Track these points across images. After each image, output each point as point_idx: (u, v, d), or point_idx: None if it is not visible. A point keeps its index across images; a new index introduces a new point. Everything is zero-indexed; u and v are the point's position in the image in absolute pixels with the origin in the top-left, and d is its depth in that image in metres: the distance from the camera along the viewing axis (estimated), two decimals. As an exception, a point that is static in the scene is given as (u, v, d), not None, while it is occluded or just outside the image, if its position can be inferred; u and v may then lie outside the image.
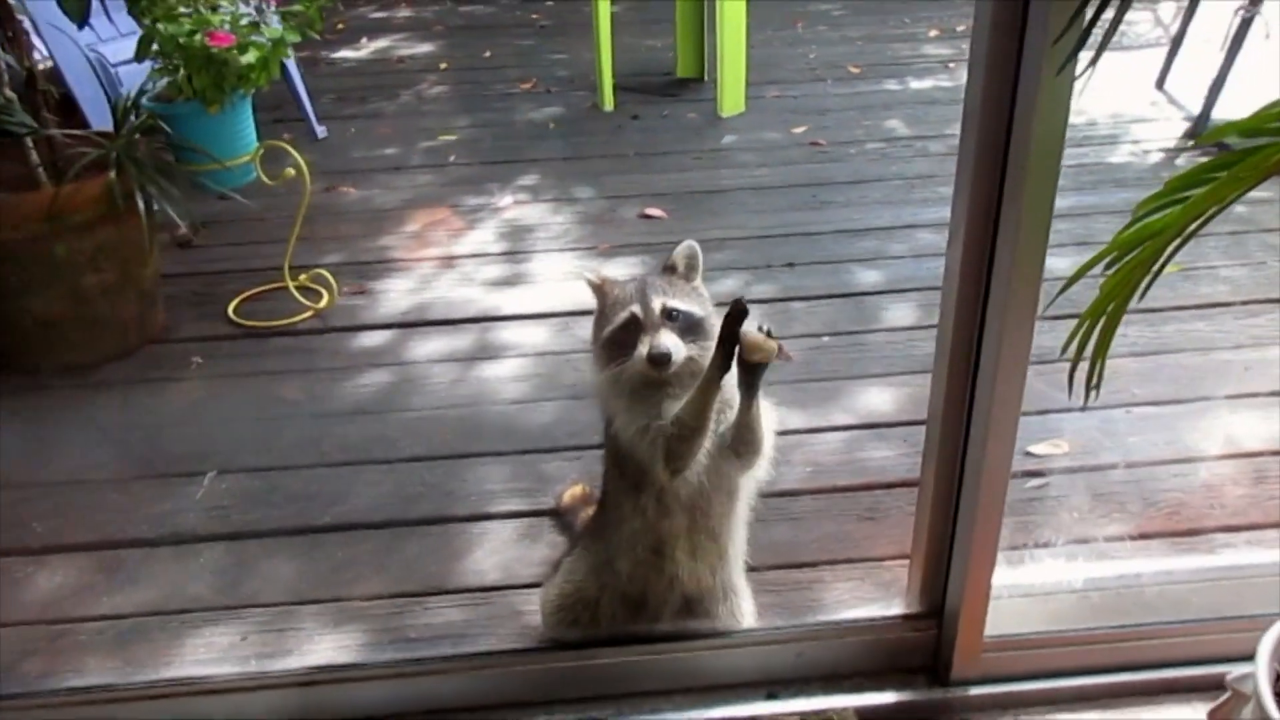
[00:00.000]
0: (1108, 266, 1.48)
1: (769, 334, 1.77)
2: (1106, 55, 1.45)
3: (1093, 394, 1.53)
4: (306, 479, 2.85)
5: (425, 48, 6.91)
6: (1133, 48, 6.22)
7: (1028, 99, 1.57)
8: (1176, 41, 5.36)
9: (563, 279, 3.89)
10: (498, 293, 3.83)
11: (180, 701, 2.00)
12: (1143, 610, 2.08)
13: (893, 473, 2.80)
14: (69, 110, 4.13)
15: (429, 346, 3.50)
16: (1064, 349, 1.53)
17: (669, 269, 1.97)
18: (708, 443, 1.85)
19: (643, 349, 1.81)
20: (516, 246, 4.19)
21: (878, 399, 3.13)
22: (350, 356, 3.46)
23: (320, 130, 5.32)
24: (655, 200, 4.48)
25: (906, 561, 2.47)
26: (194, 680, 2.03)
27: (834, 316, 3.58)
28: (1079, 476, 2.73)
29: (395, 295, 3.83)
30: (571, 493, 2.65)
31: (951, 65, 6.15)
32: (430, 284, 3.91)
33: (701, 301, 1.93)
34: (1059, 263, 3.05)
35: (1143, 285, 1.48)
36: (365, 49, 6.94)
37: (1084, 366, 1.51)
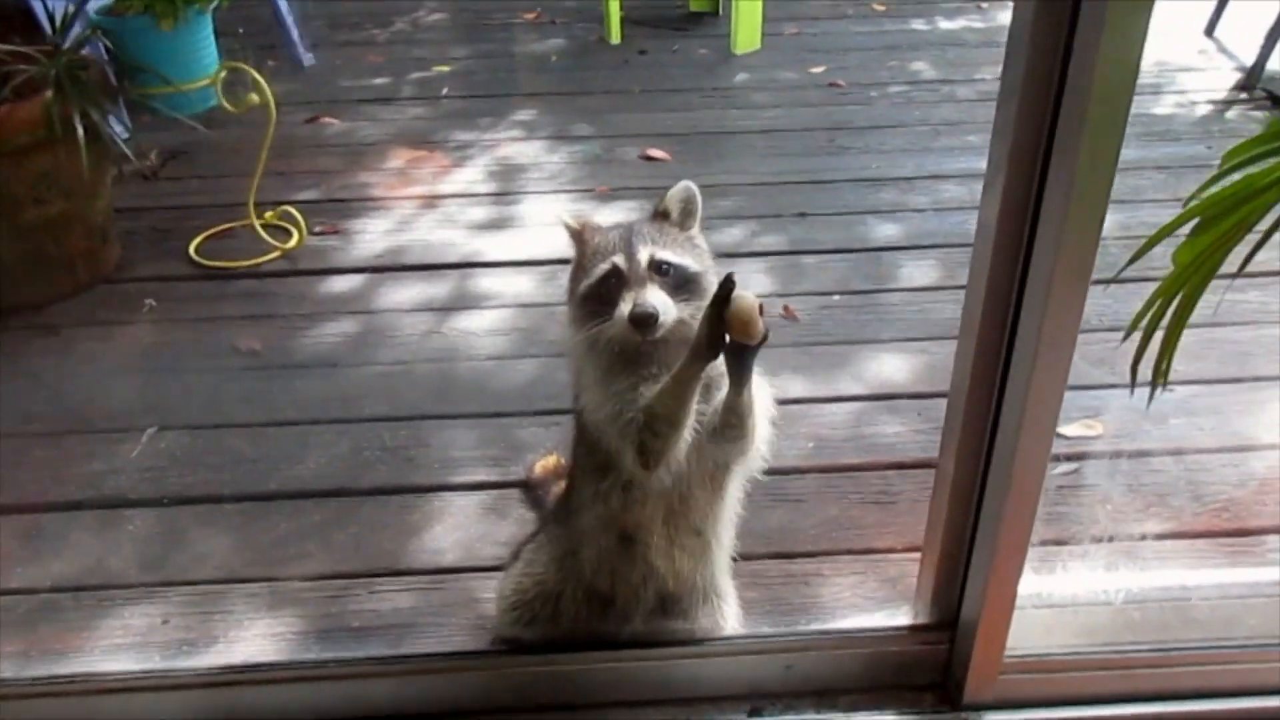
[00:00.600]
0: (1193, 231, 1.16)
1: (761, 308, 1.47)
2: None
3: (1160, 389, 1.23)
4: (254, 439, 2.57)
5: (425, -27, 6.51)
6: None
7: (1093, 23, 1.24)
8: (1229, -14, 4.96)
9: (553, 224, 3.55)
10: (482, 237, 3.52)
11: (78, 700, 1.75)
12: (1189, 628, 1.80)
13: (905, 452, 2.51)
14: (30, 27, 3.80)
15: (402, 294, 3.20)
16: (1128, 332, 1.23)
17: (660, 214, 1.67)
18: (689, 428, 1.56)
19: (624, 307, 1.52)
20: (506, 187, 3.87)
21: (891, 367, 2.83)
22: (316, 302, 3.17)
23: (307, 58, 4.97)
24: (659, 141, 4.15)
25: (917, 556, 2.21)
26: (92, 677, 1.78)
27: (847, 273, 3.27)
28: (1114, 464, 2.43)
29: (371, 237, 3.52)
30: (544, 464, 2.38)
31: (984, 5, 5.73)
32: (409, 225, 3.60)
33: (698, 254, 1.64)
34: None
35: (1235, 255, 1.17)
36: (362, -27, 6.54)
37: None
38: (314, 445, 2.56)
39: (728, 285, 1.45)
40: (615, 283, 1.57)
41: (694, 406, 1.55)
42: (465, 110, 4.53)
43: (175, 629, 2.06)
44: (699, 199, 1.67)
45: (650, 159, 4.04)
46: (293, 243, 3.41)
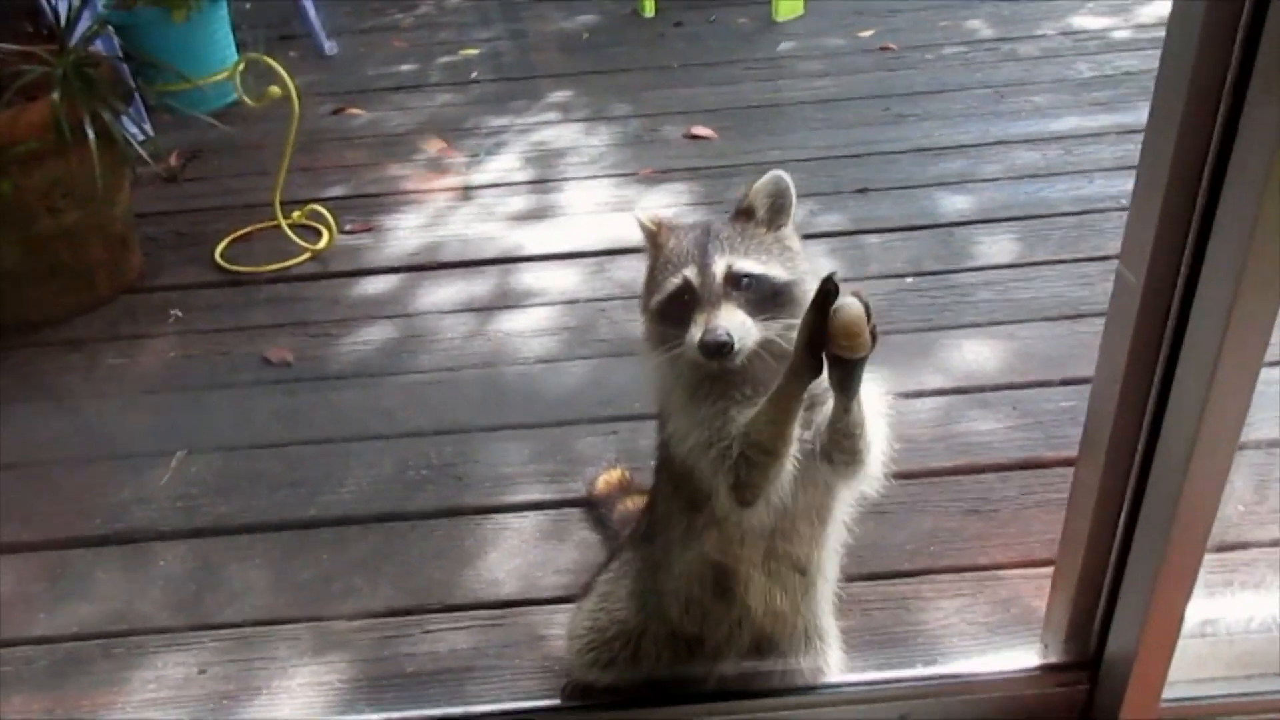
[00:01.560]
0: None
1: (867, 311, 1.24)
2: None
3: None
4: (291, 460, 2.38)
5: (447, -47, 6.28)
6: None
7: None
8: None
9: (597, 211, 3.35)
10: (522, 229, 3.30)
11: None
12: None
13: (1002, 452, 2.27)
14: (36, 25, 3.62)
15: (440, 294, 2.99)
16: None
17: (744, 213, 1.45)
18: (792, 454, 1.34)
19: (695, 331, 1.31)
20: (544, 174, 3.64)
21: (976, 355, 2.58)
22: (350, 307, 2.97)
23: (329, 45, 4.76)
24: (703, 118, 3.90)
25: (1028, 573, 1.98)
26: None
27: (916, 252, 3.01)
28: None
29: (404, 233, 3.31)
30: (607, 478, 2.18)
31: (1038, -42, 5.40)
32: (444, 219, 3.39)
33: (788, 259, 1.41)
34: None
35: None
36: (382, -44, 6.32)
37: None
38: (355, 465, 2.36)
39: (828, 290, 1.22)
40: (687, 299, 1.36)
41: (795, 431, 1.33)
42: (497, 94, 4.30)
43: (214, 679, 1.87)
44: (793, 192, 1.44)
45: (695, 137, 3.79)
46: (323, 243, 3.21)
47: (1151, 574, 1.38)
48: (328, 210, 3.21)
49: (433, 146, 3.86)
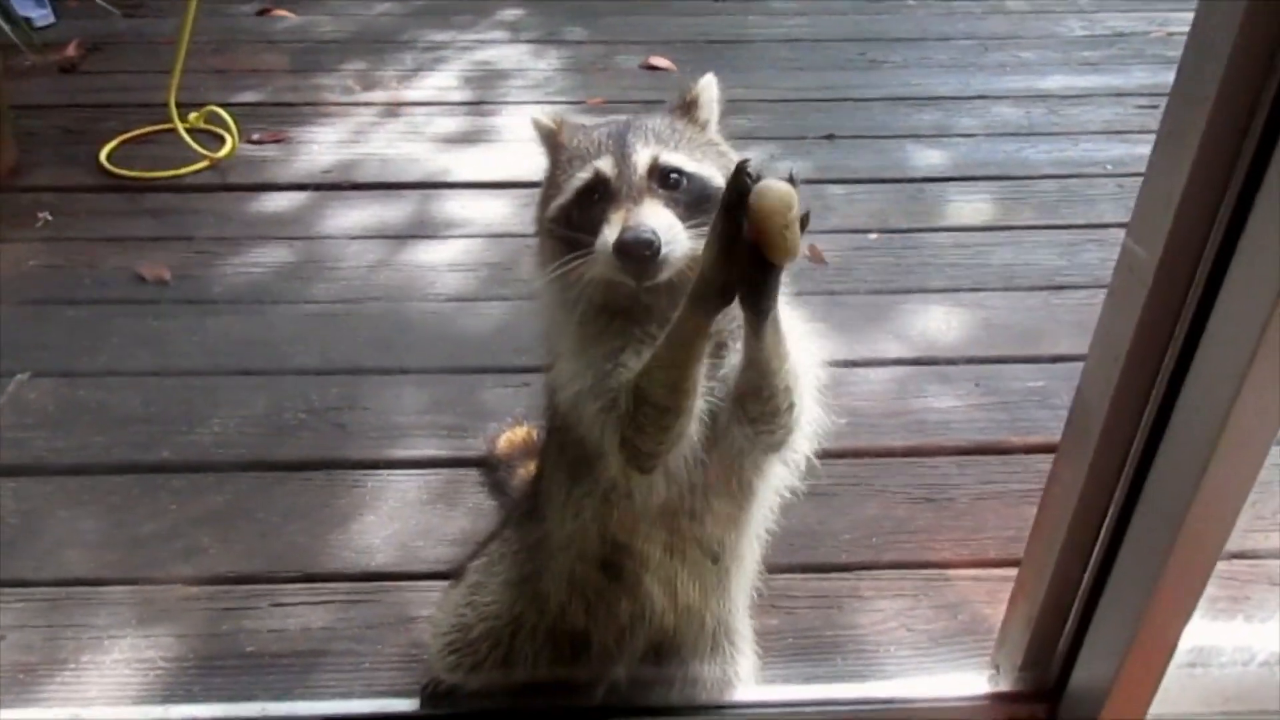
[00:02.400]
0: None
1: (792, 180, 0.95)
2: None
3: None
4: (148, 392, 2.06)
5: None
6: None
7: None
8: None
9: (537, 139, 3.02)
10: (450, 152, 2.97)
11: None
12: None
13: (961, 433, 2.02)
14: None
15: (349, 217, 2.66)
16: None
17: (683, 109, 1.18)
18: (697, 411, 1.06)
19: (609, 232, 1.03)
20: (483, 95, 3.30)
21: (940, 323, 2.32)
22: (245, 224, 2.63)
23: (263, -58, 4.34)
24: (663, 48, 3.57)
25: (979, 573, 1.73)
26: None
27: (883, 206, 2.73)
28: None
29: (319, 148, 2.97)
30: (510, 436, 1.89)
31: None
32: (366, 136, 3.05)
33: (724, 162, 1.14)
34: None
35: None
36: None
37: None
38: (223, 403, 2.05)
39: (744, 177, 0.93)
40: (599, 198, 1.07)
41: (701, 376, 1.04)
42: (440, 8, 3.93)
43: (12, 647, 1.56)
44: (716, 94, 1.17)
45: (653, 68, 3.47)
46: (224, 151, 2.85)
47: (1142, 592, 1.12)
48: (231, 116, 2.85)
49: (371, 58, 3.50)
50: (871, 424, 2.02)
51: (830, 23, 3.86)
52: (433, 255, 2.51)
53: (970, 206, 2.74)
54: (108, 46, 3.48)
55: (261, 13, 3.81)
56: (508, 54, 3.58)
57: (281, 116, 3.11)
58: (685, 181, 1.08)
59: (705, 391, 1.09)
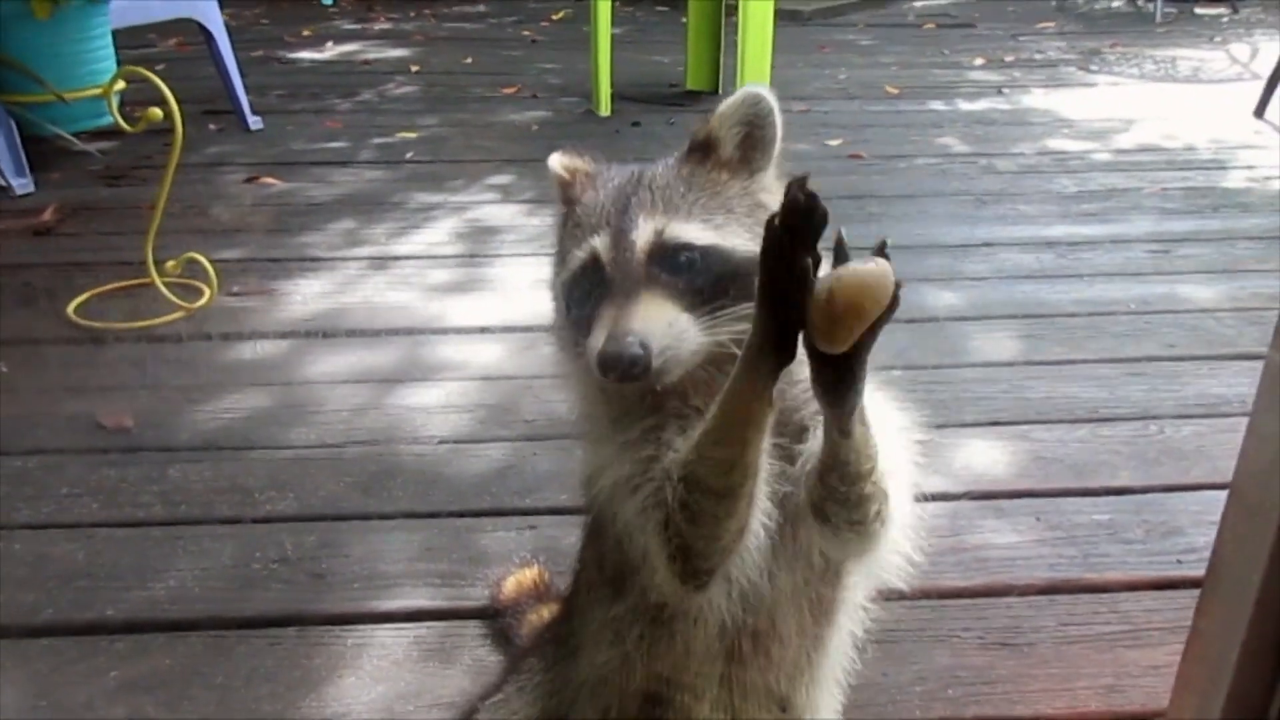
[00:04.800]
0: None
1: (884, 253, 0.81)
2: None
3: None
4: (96, 545, 1.79)
5: (397, 52, 6.02)
6: (1209, 81, 5.40)
7: None
8: (1278, 73, 4.56)
9: (531, 287, 2.88)
10: (442, 299, 2.81)
11: None
12: None
13: (1029, 570, 1.77)
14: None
15: (334, 362, 2.47)
16: None
17: (699, 150, 1.00)
18: (761, 507, 0.85)
19: (595, 338, 0.86)
20: (476, 249, 3.19)
21: (985, 457, 2.11)
22: (220, 371, 2.43)
23: (253, 121, 4.37)
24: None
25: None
26: None
27: (904, 344, 2.57)
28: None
29: (304, 298, 2.81)
30: (518, 579, 1.65)
31: (1005, 90, 5.27)
32: (353, 285, 2.90)
33: (760, 214, 0.94)
34: (1201, 292, 2.63)
35: None
36: (329, 51, 6.05)
37: None
38: (183, 554, 1.78)
39: (798, 190, 0.75)
40: (595, 285, 0.90)
41: (763, 452, 0.83)
42: (433, 174, 3.89)
43: None
44: (777, 118, 0.99)
45: (649, 223, 3.38)
46: (202, 301, 2.69)
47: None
48: (210, 264, 2.70)
49: (361, 219, 3.41)
50: (930, 562, 1.76)
51: (826, 182, 3.70)
52: (425, 397, 2.30)
53: (994, 343, 2.59)
54: (86, 211, 3.37)
55: (249, 180, 3.75)
56: (499, 213, 3.50)
57: (265, 271, 2.97)
58: (698, 260, 0.90)
59: (773, 477, 0.88)
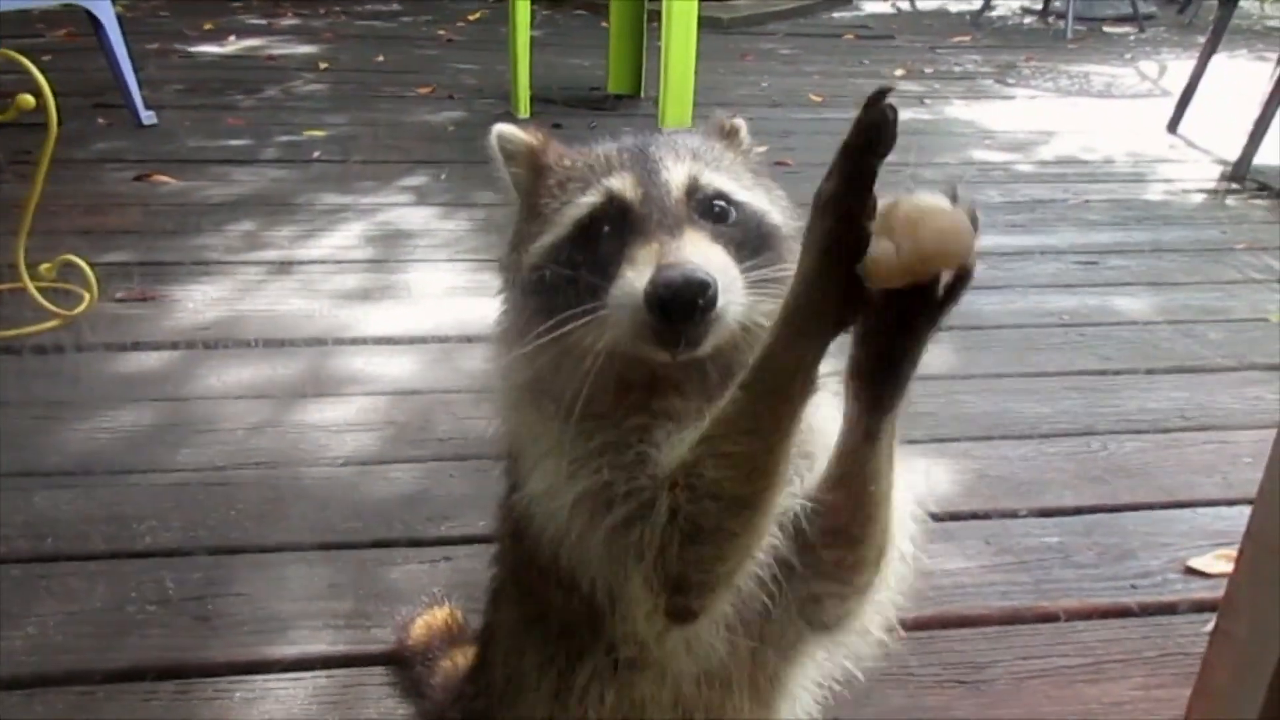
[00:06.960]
0: None
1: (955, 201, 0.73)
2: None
3: None
4: (-58, 587, 1.56)
5: (305, 49, 5.76)
6: (1122, 97, 5.49)
7: None
8: (1190, 89, 4.64)
9: (449, 295, 2.70)
10: (350, 307, 2.62)
11: None
12: None
13: (981, 597, 1.67)
14: None
15: (230, 376, 2.25)
16: None
17: (719, 132, 0.95)
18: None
19: (635, 275, 0.73)
20: (388, 254, 2.99)
21: (927, 476, 2.00)
22: (98, 385, 2.20)
23: (147, 115, 4.08)
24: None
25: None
26: None
27: (839, 356, 2.46)
28: None
29: (197, 305, 2.58)
30: (428, 620, 1.47)
31: (928, 101, 5.27)
32: (252, 292, 2.68)
33: (777, 199, 0.88)
34: (1133, 304, 2.61)
35: None
36: (232, 46, 5.75)
37: None
38: (46, 595, 1.56)
39: (878, 125, 0.66)
40: (612, 231, 0.76)
41: (790, 450, 0.70)
42: (341, 174, 3.68)
43: None
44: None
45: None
46: (81, 307, 2.44)
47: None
48: (91, 267, 2.45)
49: (262, 221, 3.17)
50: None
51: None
52: (329, 414, 2.11)
53: (933, 356, 2.49)
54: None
55: (140, 178, 3.49)
56: (413, 216, 3.32)
57: (154, 275, 2.73)
58: (734, 212, 0.77)
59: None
